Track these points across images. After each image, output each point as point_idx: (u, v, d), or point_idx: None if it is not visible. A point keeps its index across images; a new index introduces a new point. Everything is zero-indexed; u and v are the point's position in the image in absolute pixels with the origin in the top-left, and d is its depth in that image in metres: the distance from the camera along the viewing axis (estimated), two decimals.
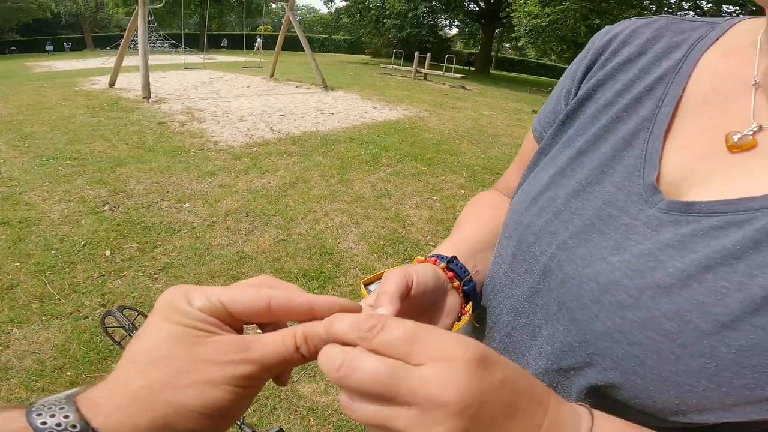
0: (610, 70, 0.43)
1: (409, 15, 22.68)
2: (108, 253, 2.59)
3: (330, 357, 0.24)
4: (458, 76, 15.09)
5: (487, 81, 17.76)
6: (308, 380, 1.80)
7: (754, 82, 0.35)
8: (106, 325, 1.85)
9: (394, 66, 17.16)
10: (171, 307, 0.26)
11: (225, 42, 29.56)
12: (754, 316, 0.27)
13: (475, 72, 22.68)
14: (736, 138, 0.33)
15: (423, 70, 14.94)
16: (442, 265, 0.44)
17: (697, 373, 0.29)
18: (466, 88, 13.09)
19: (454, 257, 0.46)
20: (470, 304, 0.47)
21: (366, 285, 1.01)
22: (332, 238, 2.93)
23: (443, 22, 27.39)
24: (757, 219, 0.29)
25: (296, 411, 1.67)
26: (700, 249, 0.30)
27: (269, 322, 0.29)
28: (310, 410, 1.67)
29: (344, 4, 27.95)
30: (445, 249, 0.49)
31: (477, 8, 24.73)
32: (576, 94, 0.46)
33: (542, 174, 0.44)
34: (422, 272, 0.39)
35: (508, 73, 29.59)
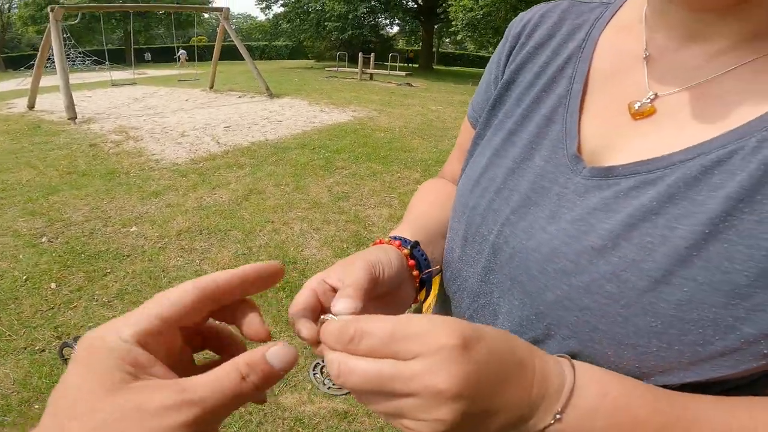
0: (527, 54, 0.47)
1: (350, 16, 22.76)
2: (54, 285, 2.44)
3: (329, 363, 0.27)
4: (403, 73, 15.35)
5: (432, 76, 18.21)
6: (290, 391, 1.80)
7: (645, 56, 0.38)
8: (66, 357, 1.76)
9: (339, 68, 17.15)
10: (92, 350, 0.23)
11: (149, 56, 27.86)
12: (682, 269, 0.29)
13: (419, 68, 23.17)
14: (637, 106, 0.37)
15: (368, 71, 15.06)
16: (406, 251, 0.43)
17: (646, 333, 0.30)
18: (412, 85, 13.36)
19: (417, 243, 0.45)
20: (423, 291, 0.47)
21: None
22: (294, 247, 2.91)
23: (384, 22, 27.76)
24: (667, 176, 0.32)
25: (282, 423, 1.66)
26: (622, 209, 0.33)
27: (206, 322, 0.29)
28: (297, 421, 1.67)
29: (282, 9, 27.57)
30: (404, 231, 0.48)
31: (415, 5, 25.28)
32: (502, 79, 0.49)
33: (480, 157, 0.47)
34: (387, 263, 0.39)
35: (450, 68, 30.48)
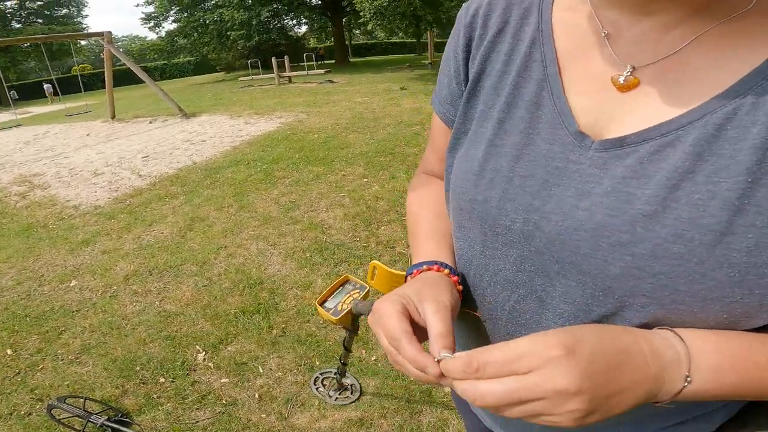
0: (489, 44, 0.47)
1: (254, 22, 22.07)
2: (9, 351, 2.25)
3: (464, 392, 0.33)
4: (322, 71, 15.26)
5: (351, 70, 18.26)
6: (299, 411, 1.78)
7: (604, 34, 0.40)
8: (58, 418, 1.65)
9: (253, 77, 16.63)
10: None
11: (15, 94, 24.06)
12: (740, 218, 0.31)
13: (336, 64, 23.11)
14: (621, 80, 0.38)
15: (286, 74, 14.78)
16: (455, 278, 0.49)
17: (727, 284, 0.32)
18: (333, 81, 13.32)
19: (461, 279, 0.50)
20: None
21: (321, 303, 1.00)
22: (255, 268, 2.84)
23: (291, 23, 27.25)
24: (682, 137, 0.33)
25: None
26: (654, 173, 0.34)
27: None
28: None
29: (175, 26, 26.02)
30: (440, 251, 0.53)
31: (320, 2, 25.07)
32: (466, 73, 0.50)
33: (473, 150, 0.46)
34: (456, 305, 0.45)
35: (366, 59, 30.73)
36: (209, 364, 2.06)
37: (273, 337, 2.19)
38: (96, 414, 1.70)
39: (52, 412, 1.69)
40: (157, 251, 3.17)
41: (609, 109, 0.39)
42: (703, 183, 0.32)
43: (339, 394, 1.82)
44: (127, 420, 1.77)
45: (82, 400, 1.76)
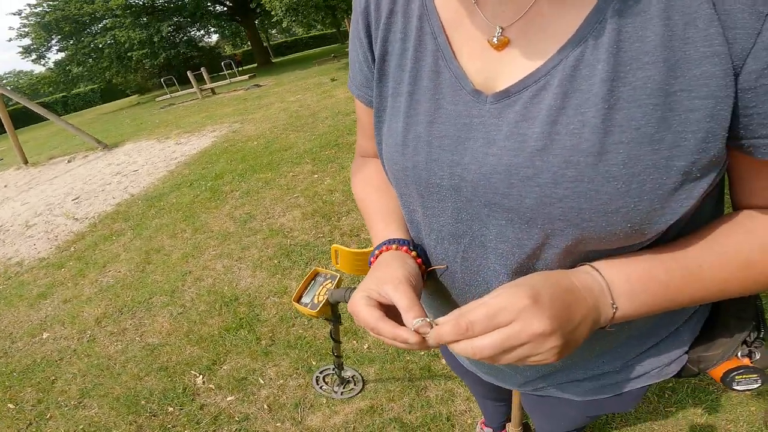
0: (385, 26, 0.51)
1: (155, 39, 20.69)
2: (11, 405, 2.18)
3: (464, 349, 0.38)
4: (246, 77, 14.75)
5: (276, 71, 17.78)
6: (311, 413, 1.82)
7: (473, 1, 0.44)
8: None
9: (172, 95, 15.71)
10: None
11: None
12: (608, 137, 0.36)
13: (258, 67, 22.35)
14: (495, 41, 0.43)
15: (207, 86, 14.12)
16: (414, 253, 0.55)
17: (618, 195, 0.37)
18: (260, 85, 12.95)
19: (415, 243, 0.57)
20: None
21: (298, 301, 1.05)
22: (227, 285, 2.82)
23: (198, 33, 25.83)
24: (549, 81, 0.39)
25: None
26: (537, 113, 0.39)
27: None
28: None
29: (63, 54, 23.77)
30: (392, 230, 0.58)
31: (225, 8, 23.97)
32: (373, 55, 0.54)
33: (394, 124, 0.51)
34: (415, 273, 0.50)
35: (289, 57, 29.95)
36: (210, 385, 2.06)
37: (264, 348, 2.22)
38: None
39: None
40: (121, 290, 3.04)
41: (493, 67, 0.44)
42: (574, 115, 0.37)
43: (343, 388, 1.86)
44: None
45: None
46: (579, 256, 0.44)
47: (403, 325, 0.43)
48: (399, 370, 1.93)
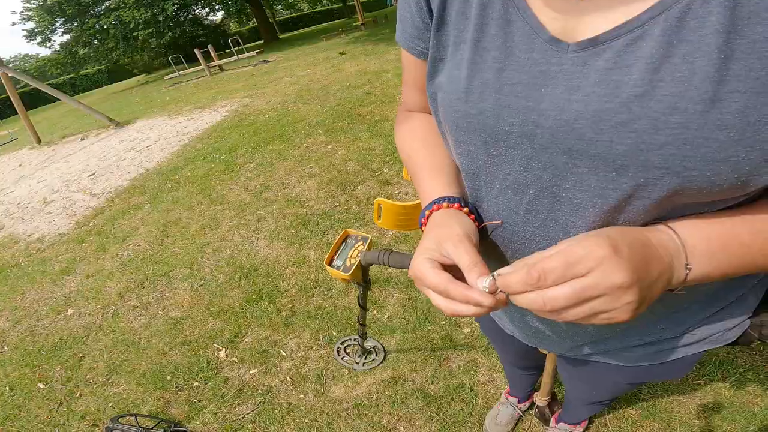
0: None
1: (160, 18, 20.29)
2: (41, 385, 2.15)
3: (533, 301, 0.36)
4: (254, 53, 14.44)
5: (283, 46, 17.37)
6: (334, 384, 1.78)
7: None
8: None
9: (180, 72, 15.49)
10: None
11: None
12: (723, 86, 0.32)
13: (265, 43, 21.90)
14: None
15: (215, 63, 13.87)
16: (466, 209, 0.52)
17: (729, 143, 0.33)
18: (268, 61, 12.67)
19: (466, 201, 0.54)
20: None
21: (330, 263, 0.98)
22: (245, 256, 2.76)
23: (203, 11, 25.27)
24: (649, 30, 0.34)
25: (348, 415, 1.63)
26: (633, 61, 0.35)
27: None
28: (358, 406, 1.65)
29: (68, 37, 23.47)
30: (444, 187, 0.55)
31: None
32: (428, 4, 0.49)
33: (456, 72, 0.47)
34: (472, 230, 0.48)
35: (296, 32, 29.25)
36: (233, 359, 2.02)
37: (284, 319, 2.17)
38: (152, 428, 1.66)
39: None
40: (141, 264, 3.01)
41: (574, 15, 0.39)
42: (681, 63, 0.33)
43: (365, 359, 1.82)
44: (183, 428, 1.73)
45: (133, 417, 1.70)
46: (667, 211, 0.40)
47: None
48: (420, 339, 1.87)
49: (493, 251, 0.55)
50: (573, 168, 0.41)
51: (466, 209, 0.52)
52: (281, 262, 2.62)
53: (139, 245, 3.28)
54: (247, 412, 1.75)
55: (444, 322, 1.93)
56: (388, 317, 2.04)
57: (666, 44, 0.34)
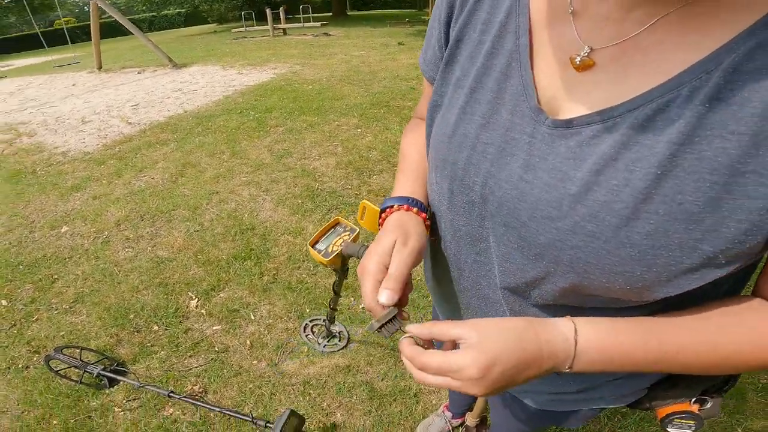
0: (468, 12, 0.47)
1: None
2: (5, 302, 2.12)
3: (412, 373, 0.45)
4: (318, 24, 14.43)
5: (348, 23, 17.26)
6: (289, 358, 1.72)
7: (570, 10, 0.39)
8: (57, 369, 1.56)
9: (247, 29, 15.66)
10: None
11: None
12: (645, 205, 0.33)
13: (333, 17, 21.86)
14: (578, 60, 0.38)
15: (280, 26, 13.94)
16: (424, 214, 0.56)
17: (629, 261, 0.35)
18: (329, 34, 12.61)
19: (428, 210, 0.57)
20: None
21: (313, 245, 0.95)
22: (248, 213, 2.71)
23: None
24: (618, 124, 0.34)
25: (293, 390, 1.59)
26: (588, 157, 0.36)
27: None
28: (306, 384, 1.60)
29: None
30: (412, 184, 0.59)
31: None
32: (447, 38, 0.50)
33: (448, 114, 0.48)
34: (418, 237, 0.51)
35: (364, 12, 29.07)
36: (202, 311, 1.97)
37: (264, 284, 2.10)
38: (92, 364, 1.61)
39: (50, 363, 1.60)
40: (149, 196, 3.01)
41: (566, 87, 0.39)
42: (622, 170, 0.34)
43: (327, 341, 1.77)
44: (123, 369, 1.69)
45: (78, 350, 1.66)
46: (574, 298, 0.43)
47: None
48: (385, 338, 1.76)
49: (446, 283, 0.60)
50: (506, 240, 0.44)
51: (428, 222, 0.56)
52: (279, 228, 2.54)
53: (153, 178, 3.28)
54: (196, 365, 1.69)
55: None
56: (363, 308, 1.93)
57: (621, 145, 0.34)
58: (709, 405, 0.54)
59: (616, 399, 0.61)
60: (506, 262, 0.45)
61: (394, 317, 0.45)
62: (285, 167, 3.30)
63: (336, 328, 1.79)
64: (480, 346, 0.40)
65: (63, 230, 2.70)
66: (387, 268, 0.47)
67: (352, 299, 1.98)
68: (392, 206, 0.56)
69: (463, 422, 1.46)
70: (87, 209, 2.92)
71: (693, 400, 0.55)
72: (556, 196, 0.37)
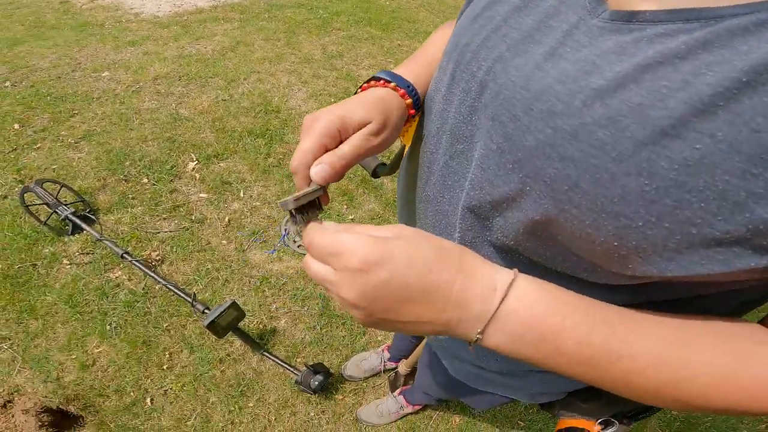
0: None
1: None
2: (17, 126, 2.09)
3: (304, 259, 0.34)
4: None
5: None
6: (260, 247, 1.54)
7: None
8: (27, 204, 1.48)
9: None
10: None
11: None
12: (700, 120, 0.21)
13: None
14: None
15: None
16: (409, 101, 0.42)
17: (634, 199, 0.23)
18: None
19: (417, 95, 0.43)
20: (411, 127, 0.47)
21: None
22: (279, 97, 2.47)
23: None
24: (708, 27, 0.22)
25: (249, 282, 1.44)
26: (641, 53, 0.24)
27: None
28: (264, 280, 1.45)
29: None
30: (411, 70, 0.45)
31: None
32: None
33: (481, 1, 0.36)
34: (393, 113, 0.39)
35: None
36: (196, 174, 1.82)
37: (267, 165, 1.90)
38: (64, 205, 1.49)
39: (24, 195, 1.48)
40: (194, 62, 2.84)
41: None
42: (685, 72, 0.22)
43: (301, 241, 1.57)
44: (92, 217, 1.59)
45: (58, 187, 1.55)
46: (540, 247, 0.31)
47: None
48: None
49: (415, 166, 0.47)
50: (488, 138, 0.32)
51: (409, 102, 0.42)
52: (302, 119, 2.28)
53: (205, 48, 3.10)
54: (166, 230, 1.56)
55: None
56: (353, 218, 1.69)
57: (699, 44, 0.22)
58: (612, 429, 0.46)
59: (535, 396, 0.53)
60: (479, 168, 0.33)
61: (317, 200, 0.35)
62: (331, 67, 2.98)
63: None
64: (384, 240, 0.29)
65: (103, 74, 2.64)
66: (339, 136, 0.36)
67: (346, 207, 1.73)
68: (388, 81, 0.42)
69: (395, 368, 1.36)
70: (133, 61, 2.82)
71: (600, 420, 0.47)
72: (570, 88, 0.26)
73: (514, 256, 0.34)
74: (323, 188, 0.34)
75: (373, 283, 0.27)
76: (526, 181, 0.28)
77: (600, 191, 0.24)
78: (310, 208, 0.34)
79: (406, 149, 0.54)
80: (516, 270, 0.30)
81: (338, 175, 0.34)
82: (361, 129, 0.36)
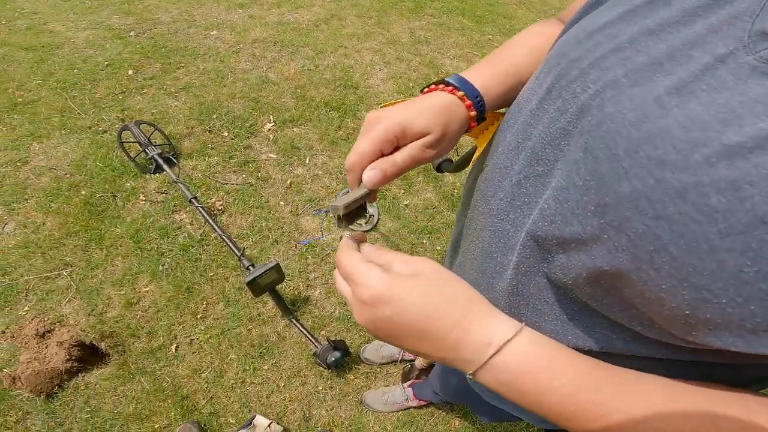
0: None
1: None
2: (131, 72, 2.21)
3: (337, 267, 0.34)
4: None
5: None
6: (311, 218, 1.44)
7: None
8: (123, 140, 1.53)
9: None
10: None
11: None
12: None
13: None
14: None
15: None
16: (473, 113, 0.37)
17: (727, 277, 0.18)
18: None
19: (478, 96, 0.37)
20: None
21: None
22: (360, 74, 2.33)
23: None
24: None
25: (296, 248, 1.34)
26: None
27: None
28: (310, 247, 1.35)
29: None
30: (484, 75, 0.39)
31: None
32: None
33: (607, 12, 0.28)
34: (452, 134, 0.36)
35: None
36: (270, 135, 1.77)
37: (336, 137, 1.80)
38: (153, 146, 1.50)
39: (122, 133, 1.52)
40: (290, 30, 2.79)
41: None
42: None
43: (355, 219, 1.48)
44: (174, 160, 1.59)
45: (152, 129, 1.56)
46: (599, 294, 0.26)
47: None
48: (407, 244, 1.45)
49: (484, 170, 0.40)
50: (574, 172, 0.26)
51: (473, 113, 0.37)
52: (378, 97, 2.17)
53: (301, 17, 3.02)
54: (232, 182, 1.53)
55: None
56: (407, 204, 1.54)
57: None
58: None
59: (540, 420, 0.45)
60: (555, 200, 0.27)
61: (365, 203, 0.36)
62: (416, 52, 2.76)
63: (372, 209, 1.45)
64: (398, 278, 0.29)
65: (212, 33, 2.69)
66: (396, 142, 0.33)
67: (402, 191, 1.57)
68: (457, 88, 0.36)
69: (412, 361, 1.31)
70: (239, 23, 2.85)
71: None
72: (693, 137, 0.19)
73: (568, 294, 0.29)
74: (372, 191, 0.34)
75: (378, 317, 0.28)
76: (605, 229, 0.23)
77: (691, 261, 0.19)
78: (357, 210, 0.35)
79: (478, 152, 0.46)
80: (524, 324, 0.28)
81: (388, 180, 0.33)
82: (419, 139, 0.33)
